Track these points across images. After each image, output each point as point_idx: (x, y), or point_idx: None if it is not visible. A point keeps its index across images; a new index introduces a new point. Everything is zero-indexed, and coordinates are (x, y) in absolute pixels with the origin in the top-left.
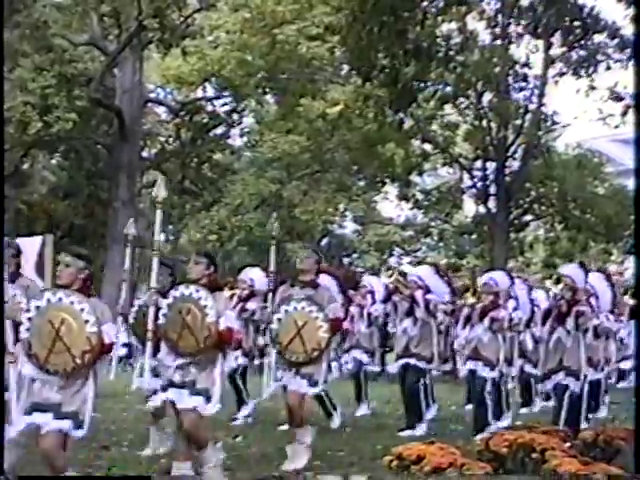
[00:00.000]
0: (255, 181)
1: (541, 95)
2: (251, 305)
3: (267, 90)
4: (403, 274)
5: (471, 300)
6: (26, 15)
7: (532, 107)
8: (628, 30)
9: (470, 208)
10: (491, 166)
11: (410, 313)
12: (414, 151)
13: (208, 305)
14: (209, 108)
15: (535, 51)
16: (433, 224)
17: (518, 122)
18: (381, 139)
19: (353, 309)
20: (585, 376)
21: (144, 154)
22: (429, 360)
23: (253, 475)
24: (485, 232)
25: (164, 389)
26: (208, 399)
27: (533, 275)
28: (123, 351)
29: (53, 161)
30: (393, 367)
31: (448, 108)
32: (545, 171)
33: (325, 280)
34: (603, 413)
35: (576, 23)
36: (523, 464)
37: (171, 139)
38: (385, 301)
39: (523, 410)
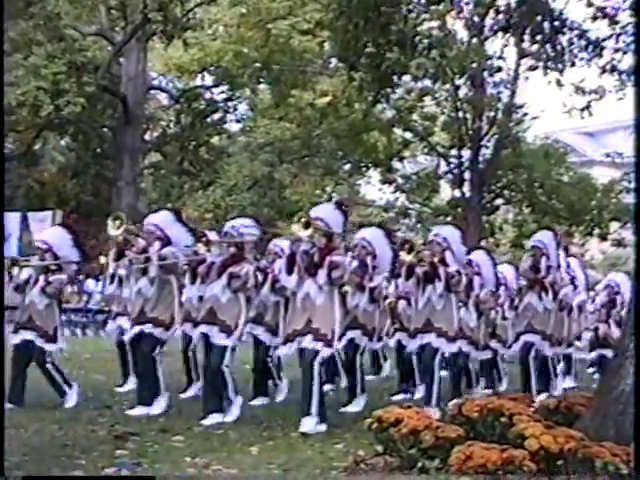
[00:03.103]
0: (249, 164)
1: (513, 89)
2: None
3: (261, 80)
4: None
5: (408, 257)
6: (40, 7)
7: (504, 100)
8: (593, 32)
9: (446, 192)
10: (466, 154)
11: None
12: (396, 139)
13: None
14: (207, 95)
15: (506, 45)
16: (412, 207)
17: (491, 114)
18: (366, 127)
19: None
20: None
21: (146, 137)
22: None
23: None
24: (460, 214)
25: None
26: None
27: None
28: None
29: (62, 142)
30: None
31: (427, 100)
32: (515, 160)
33: None
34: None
35: (546, 24)
36: (492, 427)
37: (172, 124)
38: None
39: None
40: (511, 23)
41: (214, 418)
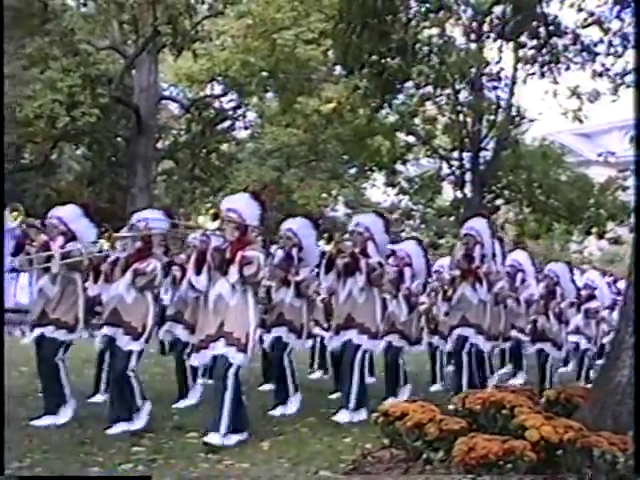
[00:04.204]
0: (257, 169)
1: (511, 93)
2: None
3: (268, 88)
4: None
5: (327, 247)
6: (56, 24)
7: (503, 104)
8: (586, 37)
9: (448, 193)
10: (467, 156)
11: None
12: (399, 143)
13: None
14: (216, 104)
15: (502, 51)
16: (416, 208)
17: (491, 117)
18: (370, 132)
19: None
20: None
21: (159, 145)
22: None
23: None
24: (462, 214)
25: None
26: None
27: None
28: None
29: (78, 152)
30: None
31: (429, 104)
32: (514, 161)
33: None
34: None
35: (541, 29)
36: (494, 419)
37: (183, 132)
38: None
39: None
40: (508, 29)
41: (120, 427)
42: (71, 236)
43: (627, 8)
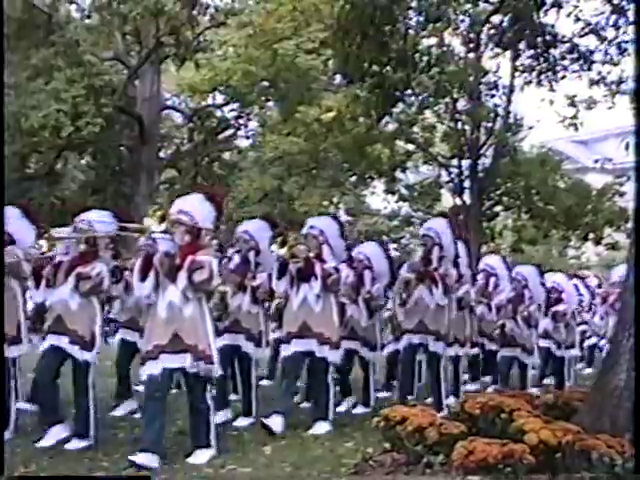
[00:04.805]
0: (259, 177)
1: (509, 101)
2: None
3: (269, 97)
4: None
5: (281, 251)
6: (60, 35)
7: (501, 112)
8: (582, 46)
9: (448, 200)
10: (466, 164)
11: None
12: (398, 151)
13: None
14: (218, 114)
15: (500, 58)
16: (415, 214)
17: (489, 125)
18: (369, 140)
19: None
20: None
21: (161, 154)
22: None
23: None
24: (461, 221)
25: None
26: None
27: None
28: None
29: (82, 161)
30: None
31: (428, 113)
32: (513, 168)
33: None
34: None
35: (538, 39)
36: (494, 423)
37: (185, 141)
38: None
39: None
40: (505, 39)
41: (78, 443)
42: (9, 240)
43: (623, 17)
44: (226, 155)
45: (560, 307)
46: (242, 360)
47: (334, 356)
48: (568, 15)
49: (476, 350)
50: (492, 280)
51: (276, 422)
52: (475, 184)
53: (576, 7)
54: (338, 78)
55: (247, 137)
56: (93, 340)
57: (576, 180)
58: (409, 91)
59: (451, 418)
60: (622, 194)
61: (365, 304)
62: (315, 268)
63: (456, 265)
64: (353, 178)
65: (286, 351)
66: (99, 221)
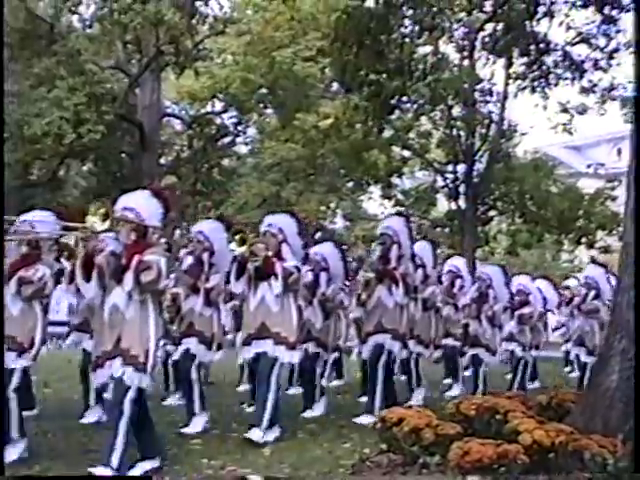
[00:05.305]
0: (257, 183)
1: (503, 108)
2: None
3: (268, 105)
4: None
5: (239, 250)
6: (62, 45)
7: (495, 118)
8: (575, 54)
9: (443, 205)
10: (461, 169)
11: None
12: (394, 157)
13: None
14: (218, 121)
15: (494, 65)
16: (412, 219)
17: (483, 131)
18: (366, 146)
19: None
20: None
21: (162, 161)
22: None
23: None
24: (456, 226)
25: None
26: None
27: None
28: None
29: (84, 168)
30: None
31: (423, 119)
32: (507, 173)
33: None
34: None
35: (532, 47)
36: (489, 424)
37: (185, 148)
38: None
39: None
40: (499, 47)
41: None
42: None
43: (614, 26)
44: (225, 161)
45: (526, 310)
46: (186, 361)
47: (291, 357)
48: (560, 24)
49: (440, 352)
50: (458, 282)
51: (257, 434)
52: (470, 189)
53: (567, 16)
54: (335, 85)
55: (246, 144)
56: (31, 347)
57: (569, 185)
58: (405, 98)
59: (447, 419)
60: (614, 198)
61: (320, 306)
62: (275, 267)
63: (423, 266)
64: (350, 184)
65: (247, 353)
66: (40, 221)
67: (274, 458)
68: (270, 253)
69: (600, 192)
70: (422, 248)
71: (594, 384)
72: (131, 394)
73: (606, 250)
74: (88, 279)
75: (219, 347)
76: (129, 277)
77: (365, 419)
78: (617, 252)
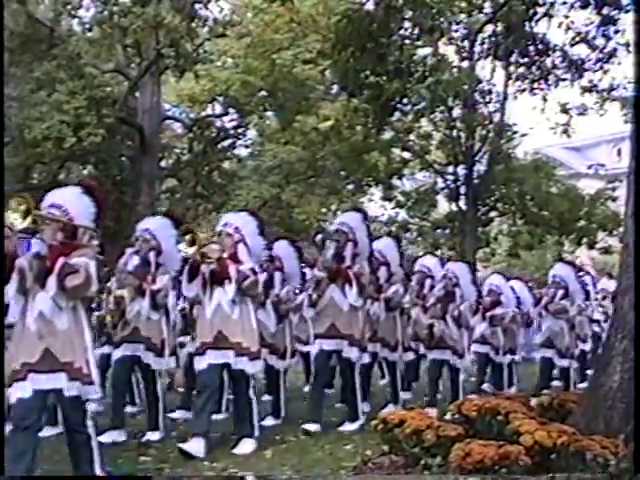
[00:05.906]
0: (258, 186)
1: (502, 109)
2: None
3: (268, 107)
4: None
5: (189, 251)
6: (62, 48)
7: (495, 119)
8: (574, 55)
9: (444, 207)
10: (461, 170)
11: None
12: (395, 158)
13: None
14: (218, 123)
15: (494, 70)
16: (412, 221)
17: (483, 132)
18: (366, 148)
19: None
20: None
21: (162, 164)
22: None
23: None
24: (457, 227)
25: None
26: None
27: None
28: None
29: (85, 171)
30: None
31: (424, 121)
32: (507, 174)
33: None
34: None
35: (531, 48)
36: (490, 425)
37: (185, 151)
38: None
39: None
40: (499, 48)
41: None
42: None
43: (613, 26)
44: (226, 164)
45: (498, 310)
46: (144, 372)
47: (254, 367)
48: (559, 25)
49: (411, 355)
50: (428, 282)
51: (196, 446)
52: (470, 190)
53: (567, 17)
54: (335, 87)
55: (246, 146)
56: None
57: (569, 186)
58: (405, 100)
59: (448, 421)
60: (614, 199)
61: (274, 308)
62: (230, 270)
63: (386, 264)
64: (351, 186)
65: (200, 364)
66: None
67: (276, 460)
68: (225, 255)
69: (600, 193)
70: (386, 245)
71: (596, 385)
72: (85, 407)
73: (607, 251)
74: (7, 281)
75: (172, 353)
76: (52, 281)
77: (350, 426)
78: (618, 253)
